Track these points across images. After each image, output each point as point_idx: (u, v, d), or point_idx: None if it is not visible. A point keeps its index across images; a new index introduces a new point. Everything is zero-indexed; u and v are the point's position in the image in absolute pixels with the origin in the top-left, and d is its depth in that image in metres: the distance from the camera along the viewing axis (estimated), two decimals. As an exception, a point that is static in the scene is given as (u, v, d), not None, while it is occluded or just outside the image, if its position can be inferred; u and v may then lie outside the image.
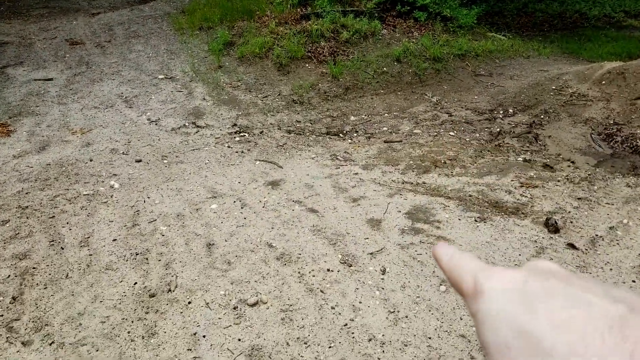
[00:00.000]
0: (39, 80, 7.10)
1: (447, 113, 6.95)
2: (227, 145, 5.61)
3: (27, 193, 4.47)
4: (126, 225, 4.01)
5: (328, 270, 3.47)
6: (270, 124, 6.31)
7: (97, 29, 9.24)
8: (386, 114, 6.93)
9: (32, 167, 4.93)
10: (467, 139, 6.13)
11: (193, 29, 8.77)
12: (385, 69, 7.76)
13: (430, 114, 6.93)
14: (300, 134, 6.09)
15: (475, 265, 0.39)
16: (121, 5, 11.52)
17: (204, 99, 6.72)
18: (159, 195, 4.47)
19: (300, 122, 6.45)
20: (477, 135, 6.32)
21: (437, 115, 6.86)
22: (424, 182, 4.88)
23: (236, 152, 5.46)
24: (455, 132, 6.33)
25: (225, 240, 3.78)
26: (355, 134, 6.27)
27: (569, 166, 5.49)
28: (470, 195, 4.63)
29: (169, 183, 4.71)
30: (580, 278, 0.34)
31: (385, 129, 6.46)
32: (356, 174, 4.99)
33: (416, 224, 4.04)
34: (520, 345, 0.31)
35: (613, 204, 4.51)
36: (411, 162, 5.32)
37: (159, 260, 3.57)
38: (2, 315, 3.06)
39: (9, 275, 3.39)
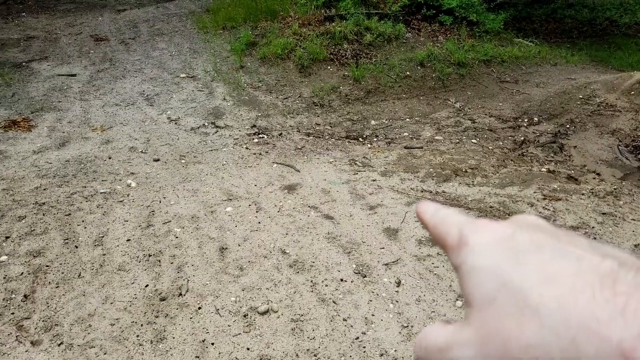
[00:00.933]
0: (63, 75, 7.16)
1: (470, 120, 6.83)
2: (245, 146, 5.58)
3: (44, 189, 4.49)
4: (141, 225, 3.99)
5: (341, 280, 3.40)
6: (290, 126, 6.27)
7: (122, 26, 9.30)
8: (407, 119, 6.83)
9: (51, 163, 4.95)
10: (490, 147, 6.00)
11: (217, 28, 8.77)
12: (408, 73, 7.66)
13: (452, 120, 6.81)
14: (320, 137, 6.03)
15: (461, 218, 0.38)
16: (147, 3, 11.59)
17: (225, 99, 6.70)
18: (174, 195, 4.45)
19: (319, 125, 6.39)
20: (501, 143, 6.19)
21: (459, 122, 6.74)
22: (443, 191, 4.78)
23: (254, 153, 5.42)
24: (478, 139, 6.21)
25: (239, 245, 3.73)
26: (375, 139, 6.18)
27: (594, 178, 5.34)
28: (491, 207, 4.52)
29: (185, 184, 4.68)
30: (567, 233, 0.33)
31: (406, 134, 6.36)
32: (374, 180, 4.91)
33: (434, 235, 3.95)
34: (506, 297, 0.30)
35: (639, 221, 4.35)
36: (431, 169, 5.22)
37: (172, 262, 3.54)
38: (13, 314, 3.06)
39: (22, 273, 3.39)
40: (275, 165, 5.16)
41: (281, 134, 6.00)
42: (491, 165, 5.45)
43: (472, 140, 6.15)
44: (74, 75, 7.20)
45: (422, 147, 5.91)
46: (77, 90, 6.74)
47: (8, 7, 10.45)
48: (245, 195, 4.49)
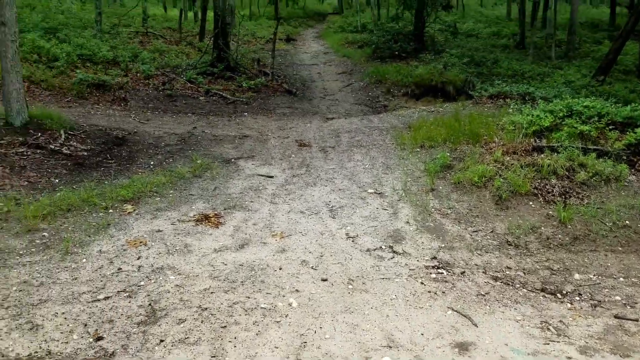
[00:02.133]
0: (262, 175, 7.57)
1: None
2: (420, 280, 5.06)
3: (212, 292, 4.50)
4: (289, 357, 3.67)
5: None
6: (475, 264, 5.59)
7: (325, 134, 9.74)
8: (622, 279, 5.64)
9: (226, 265, 5.02)
10: None
11: (414, 145, 8.64)
12: (627, 222, 6.49)
13: (684, 290, 5.45)
14: (509, 285, 5.23)
15: None
16: (355, 114, 12.16)
17: (408, 222, 6.34)
18: (331, 327, 4.08)
19: (511, 269, 5.60)
20: None
21: (694, 295, 5.35)
22: (667, 395, 3.63)
23: (429, 291, 4.86)
24: None
25: (387, 413, 3.16)
26: (577, 298, 5.16)
27: None
28: None
29: (346, 314, 4.31)
30: None
31: (617, 298, 5.21)
32: (569, 358, 3.96)
33: None
34: None
35: None
36: (651, 358, 4.08)
37: (308, 416, 3.11)
38: None
39: (161, 388, 3.26)
40: (450, 311, 4.53)
41: (464, 272, 5.36)
42: None
43: None
44: (272, 177, 7.56)
45: (638, 320, 4.74)
46: (270, 192, 7.00)
47: (235, 106, 11.80)
48: (408, 346, 3.92)
